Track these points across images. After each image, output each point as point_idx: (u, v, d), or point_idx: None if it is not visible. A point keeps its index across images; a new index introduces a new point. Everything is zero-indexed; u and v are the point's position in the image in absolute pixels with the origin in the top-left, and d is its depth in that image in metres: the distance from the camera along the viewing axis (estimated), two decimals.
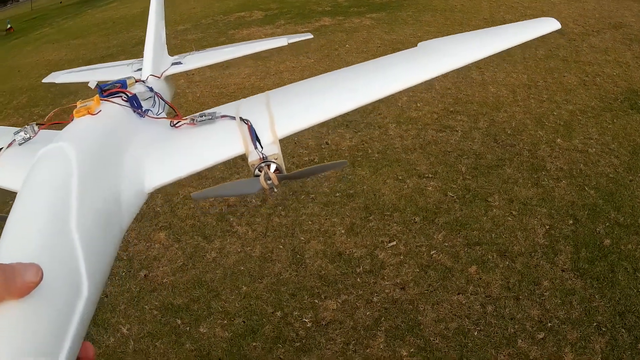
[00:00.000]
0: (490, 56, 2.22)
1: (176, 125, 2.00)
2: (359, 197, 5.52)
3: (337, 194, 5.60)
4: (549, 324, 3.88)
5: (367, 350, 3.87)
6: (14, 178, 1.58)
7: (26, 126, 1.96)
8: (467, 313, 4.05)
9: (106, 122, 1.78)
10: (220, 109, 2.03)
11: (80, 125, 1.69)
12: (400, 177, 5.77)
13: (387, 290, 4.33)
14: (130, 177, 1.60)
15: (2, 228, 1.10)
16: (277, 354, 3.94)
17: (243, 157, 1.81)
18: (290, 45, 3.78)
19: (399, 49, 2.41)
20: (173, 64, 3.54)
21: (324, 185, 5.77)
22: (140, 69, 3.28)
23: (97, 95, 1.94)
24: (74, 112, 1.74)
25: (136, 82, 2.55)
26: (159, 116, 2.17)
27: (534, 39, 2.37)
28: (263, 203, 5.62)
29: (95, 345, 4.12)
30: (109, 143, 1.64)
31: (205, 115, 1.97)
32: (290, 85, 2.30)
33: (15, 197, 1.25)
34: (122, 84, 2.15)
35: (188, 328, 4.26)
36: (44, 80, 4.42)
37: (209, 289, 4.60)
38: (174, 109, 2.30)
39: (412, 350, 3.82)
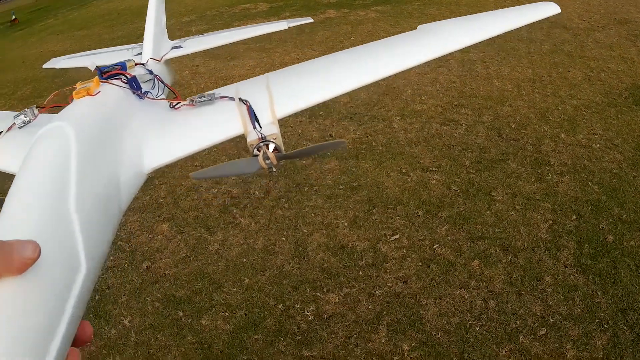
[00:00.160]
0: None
1: (175, 107, 2.02)
2: (362, 189, 5.51)
3: (341, 187, 5.60)
4: (551, 320, 3.87)
5: (369, 344, 3.87)
6: (13, 161, 1.59)
7: (26, 109, 1.97)
8: (469, 308, 4.05)
9: (105, 102, 1.78)
10: (219, 91, 2.05)
11: (80, 105, 1.69)
12: (404, 170, 5.76)
13: (389, 284, 4.33)
14: (129, 157, 1.60)
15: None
16: (278, 347, 3.94)
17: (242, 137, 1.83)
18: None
19: None
20: (173, 48, 3.58)
21: (328, 178, 5.76)
22: (140, 53, 3.30)
23: (97, 77, 1.94)
24: (73, 93, 1.74)
25: (136, 65, 2.56)
26: (159, 98, 2.18)
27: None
28: (266, 195, 5.62)
29: (96, 337, 4.14)
30: (108, 123, 1.65)
31: (204, 97, 1.99)
32: (290, 67, 2.32)
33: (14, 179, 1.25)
34: (122, 66, 2.16)
35: (190, 320, 4.27)
36: (44, 66, 4.43)
37: (211, 281, 4.60)
38: (173, 92, 2.31)
39: (413, 344, 3.82)
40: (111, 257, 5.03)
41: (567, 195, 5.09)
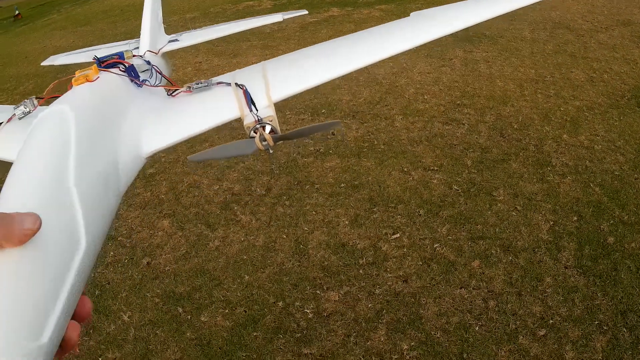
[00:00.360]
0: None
1: (173, 94, 2.07)
2: (363, 188, 5.51)
3: (342, 185, 5.60)
4: (551, 321, 3.87)
5: (368, 343, 3.87)
6: (13, 151, 1.61)
7: (25, 100, 2.00)
8: (469, 308, 4.05)
9: (104, 88, 1.80)
10: (216, 78, 2.10)
11: (79, 91, 1.71)
12: (405, 169, 5.76)
13: (389, 283, 4.33)
14: (128, 141, 1.62)
15: None
16: (277, 344, 3.94)
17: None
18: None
19: None
20: (170, 41, 3.63)
21: (329, 176, 5.77)
22: (137, 48, 3.32)
23: (95, 65, 1.95)
24: (72, 80, 1.76)
25: (133, 57, 2.57)
26: (156, 85, 2.23)
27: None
28: (267, 192, 5.62)
29: (95, 332, 4.15)
30: (107, 108, 1.67)
31: (201, 83, 2.03)
32: (285, 55, 2.38)
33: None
34: (120, 55, 2.18)
35: (189, 316, 4.27)
36: (43, 64, 4.45)
37: (211, 278, 4.61)
38: (170, 82, 2.34)
39: (412, 343, 3.82)
40: (111, 253, 5.04)
41: (568, 196, 5.09)
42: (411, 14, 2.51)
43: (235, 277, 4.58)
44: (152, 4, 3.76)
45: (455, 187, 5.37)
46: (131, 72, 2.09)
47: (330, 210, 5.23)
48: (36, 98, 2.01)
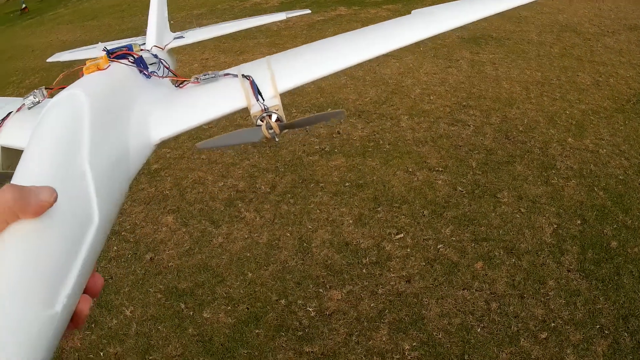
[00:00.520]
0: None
1: (180, 86, 2.13)
2: (368, 187, 5.52)
3: (347, 184, 5.60)
4: (553, 324, 3.87)
5: (370, 342, 3.87)
6: (23, 139, 1.63)
7: (35, 90, 2.03)
8: (471, 309, 4.05)
9: (115, 77, 1.85)
10: (222, 71, 2.14)
11: (92, 78, 1.76)
12: (410, 170, 5.76)
13: (392, 283, 4.34)
14: (138, 127, 1.66)
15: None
16: (279, 342, 3.95)
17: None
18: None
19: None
20: (175, 38, 3.71)
21: (334, 175, 5.77)
22: (144, 44, 3.36)
23: (105, 55, 1.99)
24: (83, 69, 1.81)
25: (141, 50, 2.60)
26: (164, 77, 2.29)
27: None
28: (272, 190, 5.63)
29: (97, 327, 4.16)
30: (118, 95, 1.72)
31: (208, 74, 2.08)
32: (290, 49, 2.42)
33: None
34: (129, 47, 2.22)
35: (191, 313, 4.28)
36: (48, 60, 4.47)
37: (214, 274, 4.62)
38: (177, 76, 2.37)
39: (414, 344, 3.83)
40: (115, 248, 5.05)
41: (572, 200, 5.09)
42: (412, 11, 2.59)
43: (238, 274, 4.59)
44: (158, 0, 3.81)
45: (460, 189, 5.38)
46: (140, 64, 2.13)
47: (334, 209, 5.24)
48: (45, 88, 2.04)
